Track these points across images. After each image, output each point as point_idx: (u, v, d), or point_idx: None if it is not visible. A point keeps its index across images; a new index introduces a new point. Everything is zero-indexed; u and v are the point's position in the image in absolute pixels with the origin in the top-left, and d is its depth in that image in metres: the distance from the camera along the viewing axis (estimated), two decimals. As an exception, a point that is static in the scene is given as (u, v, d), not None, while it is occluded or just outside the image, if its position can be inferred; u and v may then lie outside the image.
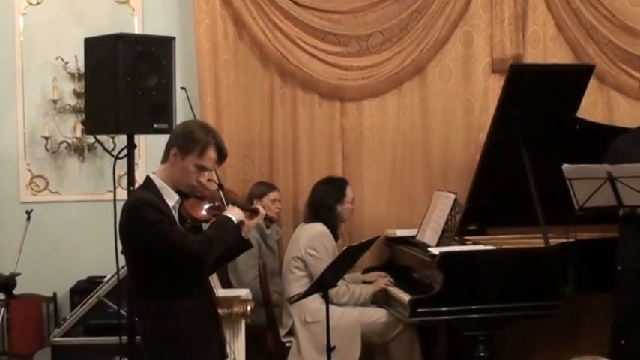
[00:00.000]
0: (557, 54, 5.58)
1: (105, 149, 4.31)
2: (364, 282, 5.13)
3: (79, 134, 5.48)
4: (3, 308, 4.78)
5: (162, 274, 3.07)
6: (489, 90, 5.54)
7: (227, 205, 3.26)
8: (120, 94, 3.76)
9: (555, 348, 5.17)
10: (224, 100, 5.41)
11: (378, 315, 4.90)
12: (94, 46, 3.92)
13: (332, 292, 4.58)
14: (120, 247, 3.23)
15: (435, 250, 4.59)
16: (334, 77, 5.45)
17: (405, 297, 4.60)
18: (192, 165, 3.12)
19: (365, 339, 4.86)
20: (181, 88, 4.96)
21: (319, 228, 4.95)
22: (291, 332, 4.89)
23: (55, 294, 5.48)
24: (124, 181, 4.11)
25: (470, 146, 5.54)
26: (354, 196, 5.19)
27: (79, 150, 5.52)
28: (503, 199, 4.89)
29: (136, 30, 5.49)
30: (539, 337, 5.37)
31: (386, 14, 5.50)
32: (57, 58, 5.46)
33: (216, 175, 4.41)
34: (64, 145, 5.52)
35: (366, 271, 5.34)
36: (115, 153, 4.01)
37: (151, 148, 5.20)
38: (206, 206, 3.22)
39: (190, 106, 5.11)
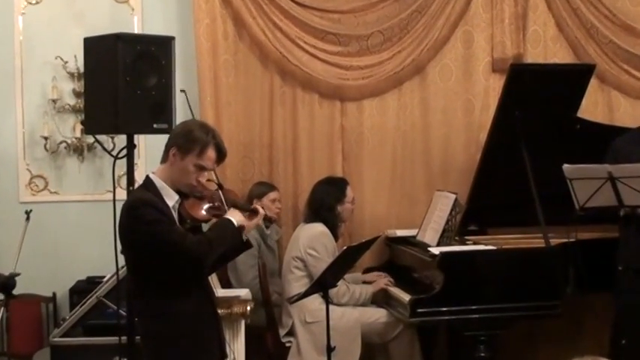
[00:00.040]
0: (557, 54, 5.57)
1: (104, 149, 4.31)
2: (364, 282, 5.12)
3: (78, 134, 5.48)
4: (2, 308, 4.78)
5: (162, 275, 3.07)
6: (490, 90, 5.53)
7: (227, 204, 3.25)
8: (119, 93, 3.75)
9: (556, 348, 5.17)
10: (224, 99, 5.41)
11: (378, 315, 4.89)
12: (93, 46, 3.91)
13: (332, 292, 4.57)
14: (119, 247, 3.22)
15: (436, 250, 4.59)
16: (334, 77, 5.44)
17: (405, 297, 4.60)
18: (191, 165, 3.12)
19: (365, 339, 4.85)
20: (181, 90, 4.96)
21: (319, 228, 4.94)
22: (291, 332, 4.88)
23: (54, 294, 5.47)
24: (124, 181, 4.11)
25: (470, 146, 5.53)
26: (354, 196, 5.18)
27: (78, 150, 5.51)
28: (503, 199, 4.88)
29: (136, 30, 5.48)
30: (540, 337, 5.36)
31: (386, 14, 5.49)
32: (56, 58, 5.46)
33: (216, 175, 4.40)
34: (64, 144, 5.51)
35: (366, 271, 5.33)
36: (114, 153, 4.01)
37: (150, 147, 5.19)
38: (206, 206, 3.21)
39: (190, 108, 5.11)
